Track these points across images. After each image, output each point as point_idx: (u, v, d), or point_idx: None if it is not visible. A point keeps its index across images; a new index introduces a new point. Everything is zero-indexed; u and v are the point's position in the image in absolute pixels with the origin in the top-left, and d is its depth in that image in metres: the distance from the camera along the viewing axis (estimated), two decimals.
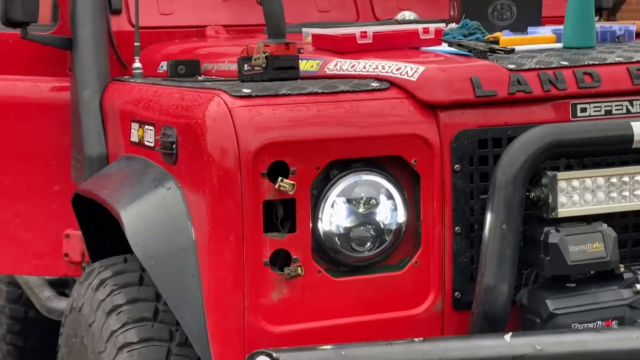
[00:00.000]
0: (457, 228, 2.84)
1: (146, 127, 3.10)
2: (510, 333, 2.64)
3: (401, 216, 2.81)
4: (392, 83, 2.87)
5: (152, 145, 3.05)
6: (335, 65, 3.05)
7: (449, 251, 2.84)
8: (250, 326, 2.70)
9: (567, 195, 2.77)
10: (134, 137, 3.21)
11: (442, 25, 3.28)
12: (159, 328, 2.93)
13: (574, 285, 2.80)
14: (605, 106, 2.93)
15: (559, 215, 2.76)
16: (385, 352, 2.58)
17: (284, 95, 2.75)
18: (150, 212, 2.92)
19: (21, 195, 3.96)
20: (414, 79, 2.83)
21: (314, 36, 3.25)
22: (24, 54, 3.93)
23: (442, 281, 2.85)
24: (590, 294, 2.77)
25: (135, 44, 3.55)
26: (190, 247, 2.76)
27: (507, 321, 2.74)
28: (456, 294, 2.85)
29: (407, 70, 2.86)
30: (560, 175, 2.76)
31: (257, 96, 2.73)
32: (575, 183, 2.78)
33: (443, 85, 2.82)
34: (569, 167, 2.87)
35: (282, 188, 2.67)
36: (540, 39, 3.22)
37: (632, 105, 2.95)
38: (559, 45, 3.19)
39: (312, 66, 3.10)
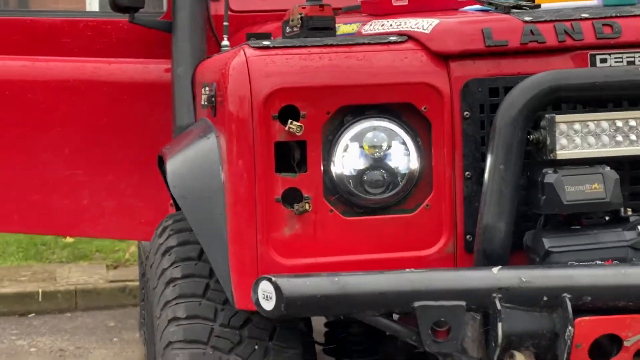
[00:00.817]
0: (467, 173, 2.95)
1: (205, 88, 3.39)
2: (500, 267, 2.74)
3: (413, 161, 2.96)
4: (409, 37, 3.03)
5: (205, 103, 3.33)
6: (371, 26, 3.24)
7: (460, 195, 2.96)
8: (262, 258, 2.91)
9: (567, 138, 2.84)
10: (202, 101, 3.50)
11: None
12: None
13: (578, 227, 2.86)
14: (627, 57, 2.98)
15: (559, 157, 2.83)
16: (376, 279, 2.73)
17: (299, 46, 2.97)
18: (191, 159, 3.21)
19: (133, 168, 4.34)
20: (428, 32, 2.99)
21: (362, 2, 3.45)
22: (136, 39, 4.33)
23: (454, 224, 2.97)
24: (591, 234, 2.82)
25: (225, 23, 3.86)
26: (219, 188, 3.01)
27: (507, 260, 2.83)
28: (468, 236, 2.96)
29: (423, 24, 3.02)
30: (560, 117, 2.84)
31: (274, 47, 2.97)
32: (577, 126, 2.84)
33: (454, 36, 2.96)
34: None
35: (290, 130, 2.89)
36: None
37: None
38: (599, 3, 3.24)
39: (352, 29, 3.30)
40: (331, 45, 2.98)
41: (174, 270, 3.20)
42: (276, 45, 2.99)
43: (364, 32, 3.24)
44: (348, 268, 2.92)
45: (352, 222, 2.97)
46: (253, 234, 2.92)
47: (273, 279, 2.75)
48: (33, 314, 6.99)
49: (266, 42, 3.00)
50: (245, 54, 2.96)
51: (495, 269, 2.73)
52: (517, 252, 2.92)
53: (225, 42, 3.85)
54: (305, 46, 2.98)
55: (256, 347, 3.10)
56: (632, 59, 2.98)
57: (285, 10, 4.19)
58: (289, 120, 2.90)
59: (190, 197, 3.12)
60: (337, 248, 2.95)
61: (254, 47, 2.98)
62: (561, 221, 2.87)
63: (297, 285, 2.75)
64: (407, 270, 2.76)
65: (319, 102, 2.92)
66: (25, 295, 7.14)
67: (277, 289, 2.73)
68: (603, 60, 2.98)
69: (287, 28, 3.25)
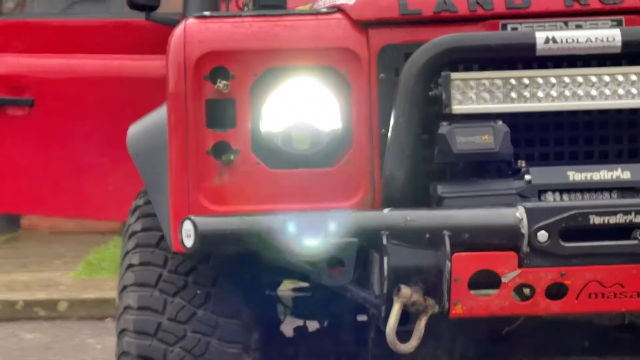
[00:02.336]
0: (382, 130, 3.22)
1: None
2: (390, 208, 2.98)
3: (335, 120, 3.24)
4: (338, 9, 3.33)
5: None
6: (320, 2, 3.57)
7: (376, 151, 3.23)
8: (194, 204, 3.24)
9: (463, 94, 3.07)
10: None
11: None
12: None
13: (471, 177, 3.07)
14: (537, 26, 3.20)
15: (454, 112, 3.06)
16: (281, 218, 3.01)
17: (233, 16, 3.31)
18: (147, 123, 3.58)
19: None
20: (351, 3, 3.28)
21: None
22: (157, 36, 4.74)
23: (371, 178, 3.23)
24: (482, 183, 3.04)
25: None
26: (164, 145, 3.35)
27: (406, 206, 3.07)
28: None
29: None
30: (455, 75, 3.08)
31: (211, 17, 3.31)
32: (472, 83, 3.08)
33: (373, 5, 3.25)
34: None
35: (218, 88, 3.21)
36: None
37: (567, 26, 3.20)
38: None
39: (307, 7, 3.63)
40: (263, 15, 3.31)
41: (133, 255, 3.56)
42: (214, 15, 3.33)
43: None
44: None
45: (277, 174, 3.26)
46: (186, 183, 3.25)
47: (192, 217, 3.07)
48: (109, 318, 7.45)
49: (207, 13, 3.34)
50: (185, 23, 3.31)
51: (386, 210, 2.98)
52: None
53: None
54: (239, 16, 3.32)
55: (198, 292, 3.42)
56: (542, 28, 3.20)
57: None
58: (218, 80, 3.22)
59: (142, 154, 3.49)
60: (262, 198, 3.25)
61: (195, 17, 3.34)
62: (458, 172, 3.09)
63: (212, 222, 3.07)
64: (309, 211, 3.04)
65: (247, 64, 3.24)
66: (104, 301, 7.63)
67: (194, 226, 3.05)
68: (514, 29, 3.21)
69: (244, 7, 3.60)
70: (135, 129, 3.62)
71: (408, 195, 3.09)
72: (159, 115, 3.48)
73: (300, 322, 4.13)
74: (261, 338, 3.60)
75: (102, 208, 4.90)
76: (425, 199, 3.12)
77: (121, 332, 3.51)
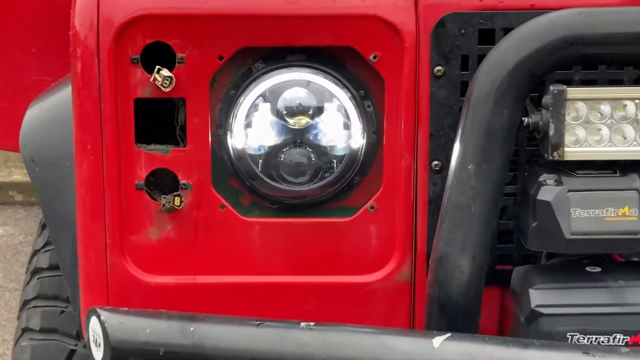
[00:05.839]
0: (435, 162, 1.88)
1: None
2: (447, 335, 1.67)
3: (355, 137, 1.91)
4: None
5: None
6: None
7: (423, 194, 1.90)
8: (114, 271, 1.94)
9: (585, 127, 1.71)
10: None
11: None
12: None
13: (597, 270, 1.76)
14: None
15: (567, 158, 1.72)
16: (249, 335, 1.72)
17: None
18: (50, 107, 2.22)
19: None
20: None
21: None
22: None
23: (412, 237, 1.92)
24: (612, 288, 1.71)
25: None
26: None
27: (477, 315, 1.77)
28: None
29: None
30: (573, 92, 1.71)
31: None
32: (605, 108, 1.71)
33: None
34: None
35: (156, 81, 1.86)
36: None
37: None
38: None
39: None
40: None
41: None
42: None
43: None
44: (247, 293, 1.93)
45: (256, 225, 1.94)
46: (101, 235, 1.94)
47: (102, 316, 1.78)
48: None
49: None
50: None
51: (437, 340, 1.67)
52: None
53: None
54: None
55: None
56: None
57: None
58: (157, 67, 1.87)
59: (41, 163, 2.15)
60: (230, 263, 1.95)
61: None
62: (570, 266, 1.77)
63: (132, 331, 1.77)
64: (302, 324, 1.74)
65: (207, 39, 1.88)
66: None
67: (104, 333, 1.76)
68: None
69: None
70: (33, 115, 2.25)
71: (476, 298, 1.77)
72: (63, 101, 2.14)
73: None
74: None
75: None
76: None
77: None
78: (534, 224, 1.70)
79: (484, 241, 1.74)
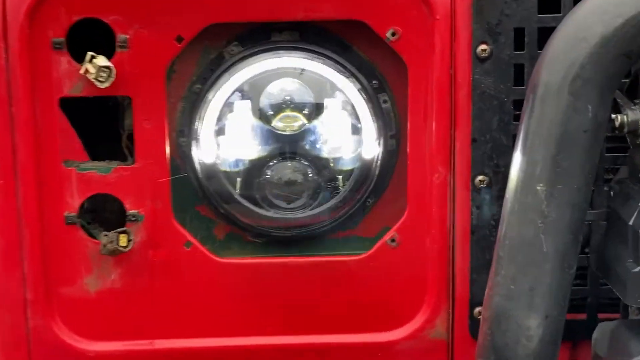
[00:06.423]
0: (480, 178, 1.38)
1: None
2: None
3: (368, 144, 1.41)
4: None
5: None
6: None
7: (463, 221, 1.41)
8: (38, 335, 1.44)
9: None
10: None
11: None
12: None
13: None
14: None
15: None
16: None
17: None
18: None
19: None
20: None
21: None
22: None
23: (450, 281, 1.42)
24: None
25: None
26: None
27: None
28: (476, 310, 1.41)
29: None
30: None
31: None
32: None
33: None
34: None
35: (89, 74, 1.34)
36: None
37: None
38: None
39: None
40: None
41: None
42: None
43: None
44: None
45: (234, 267, 1.44)
46: (19, 288, 1.42)
47: None
48: None
49: None
50: None
51: None
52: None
53: None
54: None
55: None
56: None
57: None
58: (89, 54, 1.35)
59: None
60: (200, 322, 1.45)
61: None
62: None
63: None
64: None
65: (160, 14, 1.37)
66: None
67: None
68: None
69: None
70: None
71: (549, 356, 1.27)
72: None
73: None
74: None
75: None
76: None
77: None
78: (637, 269, 1.19)
79: (561, 293, 1.23)
